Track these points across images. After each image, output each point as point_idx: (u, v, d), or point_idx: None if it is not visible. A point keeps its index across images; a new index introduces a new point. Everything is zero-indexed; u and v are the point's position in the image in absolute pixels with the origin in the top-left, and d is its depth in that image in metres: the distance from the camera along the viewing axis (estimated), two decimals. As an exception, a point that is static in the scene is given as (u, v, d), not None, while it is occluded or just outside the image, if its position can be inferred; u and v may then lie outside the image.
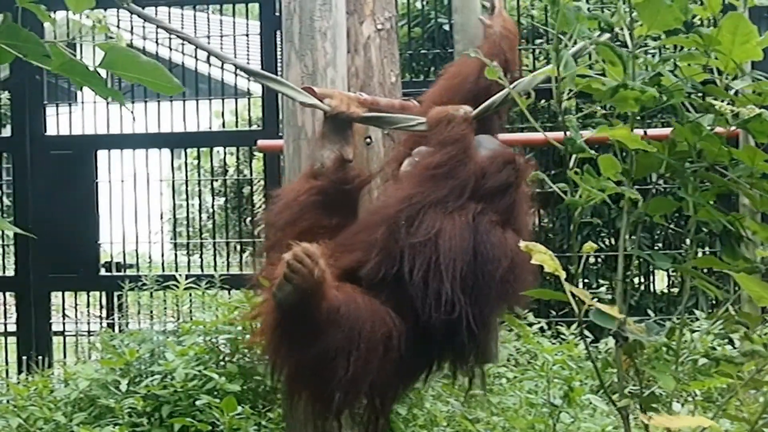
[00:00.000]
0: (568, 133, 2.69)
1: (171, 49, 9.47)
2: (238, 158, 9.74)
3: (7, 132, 8.90)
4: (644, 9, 2.57)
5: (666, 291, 8.62)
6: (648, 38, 2.78)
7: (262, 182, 8.74)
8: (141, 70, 2.90)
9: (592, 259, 8.42)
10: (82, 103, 8.70)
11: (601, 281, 8.30)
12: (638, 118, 2.86)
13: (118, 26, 8.67)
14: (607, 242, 8.44)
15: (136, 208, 8.83)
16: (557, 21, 2.53)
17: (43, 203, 8.39)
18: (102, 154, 8.73)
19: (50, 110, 8.70)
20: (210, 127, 9.33)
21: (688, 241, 3.29)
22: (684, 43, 2.74)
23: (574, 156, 2.70)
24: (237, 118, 9.97)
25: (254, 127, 9.09)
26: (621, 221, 3.10)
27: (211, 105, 9.04)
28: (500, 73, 2.75)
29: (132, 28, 8.99)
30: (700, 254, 5.98)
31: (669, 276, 8.37)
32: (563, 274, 2.74)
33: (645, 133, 2.96)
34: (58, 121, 8.88)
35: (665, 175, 3.01)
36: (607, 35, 2.82)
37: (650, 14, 2.56)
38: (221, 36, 8.85)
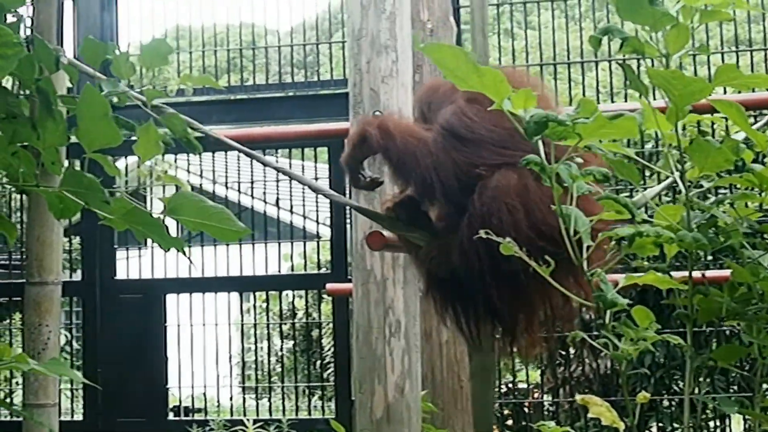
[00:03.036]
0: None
1: (240, 193, 9.56)
2: (306, 301, 9.73)
3: (77, 276, 8.98)
4: (694, 152, 2.54)
5: (743, 435, 8.41)
6: (702, 179, 2.75)
7: (331, 325, 8.70)
8: (207, 216, 2.87)
9: (666, 402, 8.25)
10: (152, 246, 8.77)
11: (676, 425, 8.11)
12: (698, 258, 2.81)
13: (188, 170, 8.80)
14: (680, 384, 8.26)
15: (204, 352, 8.83)
16: (555, 194, 2.49)
17: (112, 347, 8.42)
18: (171, 298, 8.78)
19: (120, 254, 8.80)
20: (279, 271, 9.36)
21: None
22: (738, 182, 2.71)
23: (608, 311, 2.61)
24: (306, 261, 10.00)
25: (323, 270, 9.10)
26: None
27: (280, 248, 9.07)
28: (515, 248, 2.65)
29: (202, 171, 9.11)
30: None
31: (745, 420, 8.16)
32: (621, 426, 2.66)
33: (703, 275, 2.90)
34: (128, 265, 8.96)
35: (728, 318, 2.94)
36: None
37: (700, 158, 2.54)
38: (290, 180, 8.93)
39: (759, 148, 2.65)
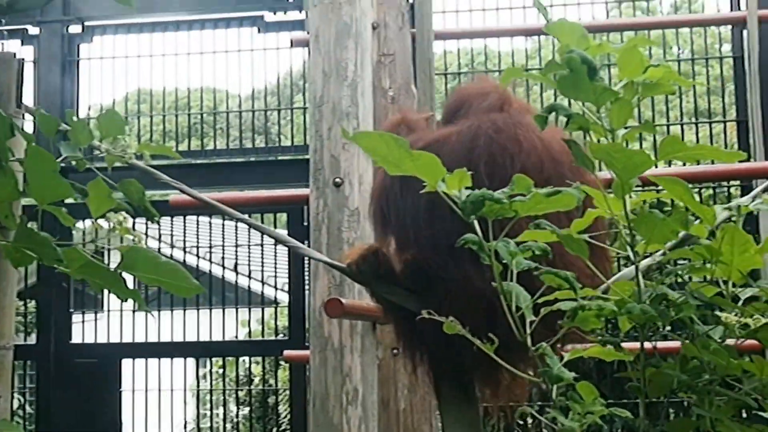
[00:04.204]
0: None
1: (198, 257, 9.52)
2: (263, 368, 9.66)
3: (32, 339, 8.89)
4: (640, 224, 2.56)
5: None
6: (652, 252, 2.77)
7: (288, 392, 8.65)
8: (160, 272, 2.89)
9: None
10: (108, 311, 8.72)
11: (634, 497, 8.09)
12: (656, 330, 2.82)
13: (146, 233, 8.75)
14: (638, 456, 8.24)
15: (159, 418, 8.74)
16: (495, 271, 2.49)
17: (66, 412, 8.32)
18: (126, 363, 8.70)
19: (76, 317, 8.72)
20: (236, 336, 9.30)
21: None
22: (689, 255, 2.73)
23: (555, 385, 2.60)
24: (263, 327, 9.94)
25: (280, 337, 9.06)
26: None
27: (237, 314, 9.03)
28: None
29: (160, 236, 9.07)
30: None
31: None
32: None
33: (654, 347, 2.91)
34: (84, 329, 8.88)
35: (679, 391, 2.93)
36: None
37: (646, 229, 2.55)
38: (249, 245, 8.91)
39: (708, 224, 2.66)
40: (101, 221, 3.34)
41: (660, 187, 2.63)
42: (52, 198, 2.85)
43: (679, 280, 2.90)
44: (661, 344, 2.97)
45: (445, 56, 8.77)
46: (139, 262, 2.89)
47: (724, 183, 7.82)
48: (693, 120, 8.81)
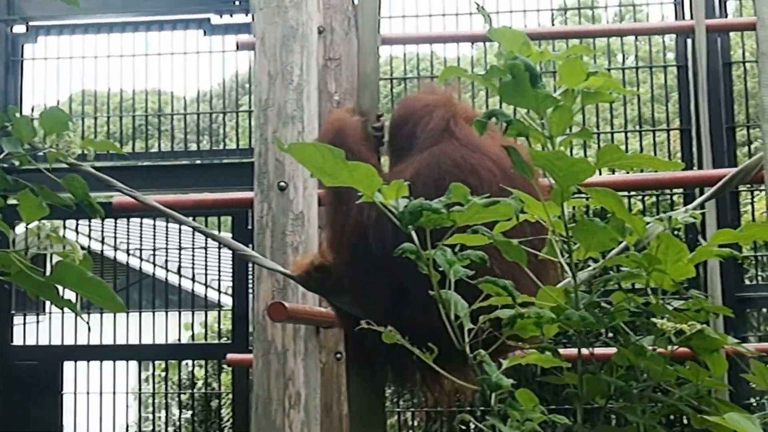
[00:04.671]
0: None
1: (141, 260, 9.46)
2: (206, 371, 9.62)
3: (-28, 341, 8.79)
4: (580, 232, 2.57)
5: None
6: (590, 260, 2.78)
7: (230, 396, 8.62)
8: (87, 287, 2.93)
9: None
10: (50, 313, 8.64)
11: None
12: (598, 335, 2.84)
13: (89, 236, 8.69)
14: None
15: (101, 421, 8.67)
16: (433, 280, 2.49)
17: (6, 414, 8.23)
18: (68, 366, 8.62)
19: (17, 319, 8.63)
20: (179, 340, 9.25)
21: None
22: (625, 262, 2.75)
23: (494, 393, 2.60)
24: (206, 330, 9.89)
25: (224, 340, 9.02)
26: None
27: (180, 317, 8.98)
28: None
29: (103, 238, 9.01)
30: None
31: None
32: None
33: (592, 353, 2.93)
34: (25, 331, 8.79)
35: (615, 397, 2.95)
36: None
37: (586, 237, 2.57)
38: (193, 248, 8.87)
39: (637, 234, 2.67)
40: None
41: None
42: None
43: (615, 287, 2.92)
44: (598, 350, 2.99)
45: (391, 61, 8.78)
46: (67, 276, 2.93)
47: (668, 191, 7.89)
48: (637, 128, 8.88)
